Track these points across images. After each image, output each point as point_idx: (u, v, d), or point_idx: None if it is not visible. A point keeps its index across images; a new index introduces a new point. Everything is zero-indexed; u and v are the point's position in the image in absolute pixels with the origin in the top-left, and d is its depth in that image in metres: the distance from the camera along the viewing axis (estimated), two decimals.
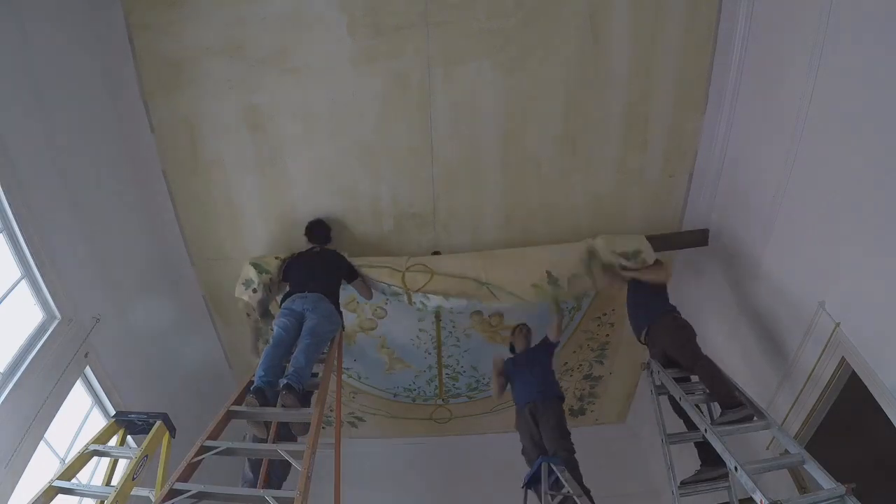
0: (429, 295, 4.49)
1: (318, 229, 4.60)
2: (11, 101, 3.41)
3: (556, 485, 4.06)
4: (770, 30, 3.75)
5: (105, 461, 3.61)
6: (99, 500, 3.29)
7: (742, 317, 4.40)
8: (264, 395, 3.55)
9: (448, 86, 4.18)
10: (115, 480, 3.41)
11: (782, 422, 3.73)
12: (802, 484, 3.76)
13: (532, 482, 4.37)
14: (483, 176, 4.55)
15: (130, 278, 4.50)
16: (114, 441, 3.63)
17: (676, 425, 4.08)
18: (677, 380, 3.89)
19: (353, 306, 5.06)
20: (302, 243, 4.62)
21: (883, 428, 2.94)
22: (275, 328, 4.02)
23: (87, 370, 3.93)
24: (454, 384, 5.84)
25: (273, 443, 3.65)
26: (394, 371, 5.70)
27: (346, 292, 4.70)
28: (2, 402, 3.17)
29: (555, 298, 4.54)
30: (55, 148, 3.72)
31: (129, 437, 3.77)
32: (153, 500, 3.39)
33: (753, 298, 4.24)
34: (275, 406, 3.54)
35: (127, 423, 3.71)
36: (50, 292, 3.64)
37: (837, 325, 3.26)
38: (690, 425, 3.80)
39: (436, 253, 4.87)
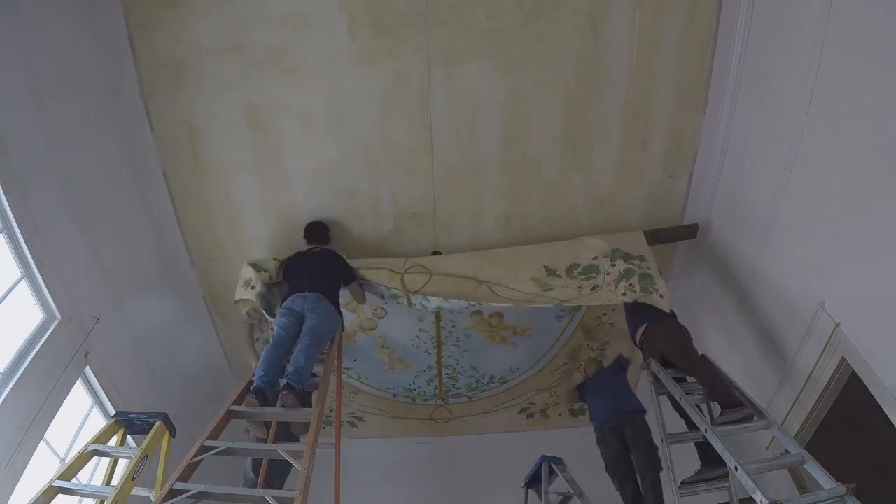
0: (429, 297, 4.48)
1: (317, 230, 4.60)
2: (11, 101, 3.40)
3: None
4: (770, 30, 3.74)
5: (105, 461, 3.60)
6: (99, 500, 3.28)
7: (742, 317, 4.40)
8: (264, 395, 3.55)
9: (448, 86, 4.18)
10: (116, 480, 3.40)
11: (782, 422, 3.74)
12: (802, 484, 3.76)
13: (532, 482, 4.38)
14: (483, 176, 4.55)
15: (130, 278, 4.50)
16: (114, 441, 3.63)
17: (677, 425, 4.09)
18: (676, 380, 3.89)
19: (353, 306, 5.06)
20: (302, 244, 4.62)
21: (883, 428, 2.94)
22: (275, 328, 4.02)
23: (87, 370, 3.93)
24: (454, 384, 5.84)
25: (273, 443, 3.65)
26: (394, 371, 5.70)
27: (346, 293, 4.71)
28: (2, 402, 3.17)
29: (557, 300, 4.44)
30: (55, 148, 3.72)
31: (129, 437, 3.77)
32: (153, 500, 3.39)
33: (753, 298, 4.24)
34: (275, 406, 3.53)
35: (127, 423, 3.71)
36: (50, 292, 3.64)
37: (837, 325, 3.26)
38: (690, 425, 3.80)
39: (436, 253, 4.87)
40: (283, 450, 3.23)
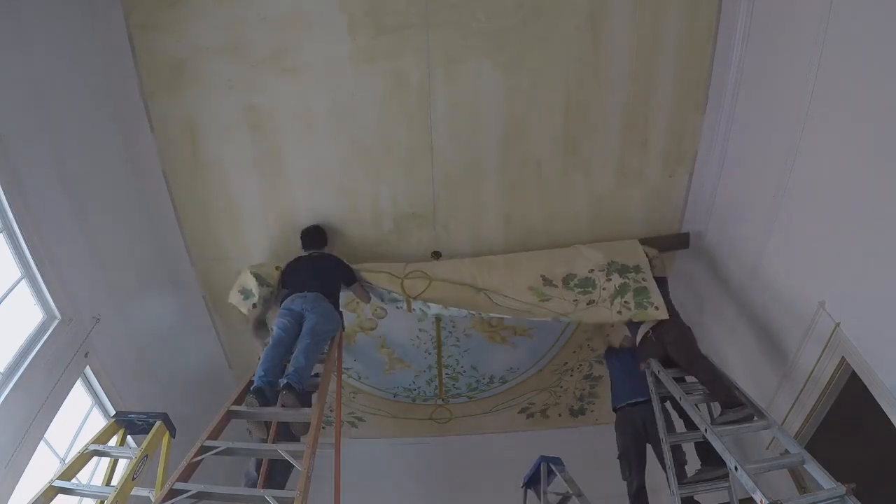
0: (429, 304, 4.50)
1: (313, 235, 4.59)
2: (11, 101, 3.40)
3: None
4: (770, 30, 3.74)
5: (105, 461, 3.61)
6: (99, 501, 3.29)
7: (742, 317, 4.40)
8: (264, 394, 3.55)
9: (448, 86, 4.18)
10: (116, 480, 3.40)
11: (782, 421, 3.73)
12: (802, 484, 3.76)
13: (532, 481, 4.38)
14: (483, 176, 4.55)
15: (130, 278, 4.50)
16: (114, 441, 3.63)
17: (676, 425, 4.09)
18: (676, 380, 3.89)
19: (352, 306, 5.06)
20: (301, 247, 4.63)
21: (883, 428, 2.94)
22: (274, 328, 4.02)
23: (87, 370, 3.93)
24: (454, 384, 5.84)
25: (273, 442, 3.66)
26: (394, 371, 5.70)
27: (346, 293, 4.71)
28: (2, 402, 3.17)
29: (555, 314, 4.43)
30: (55, 148, 3.72)
31: (129, 437, 3.77)
32: (153, 500, 3.40)
33: (753, 298, 4.24)
34: (275, 406, 3.54)
35: (127, 423, 3.71)
36: (50, 292, 3.63)
37: (837, 325, 3.26)
38: (690, 425, 3.80)
39: (436, 253, 4.88)
40: (283, 450, 3.24)
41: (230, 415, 3.48)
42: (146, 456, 3.41)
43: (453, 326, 5.31)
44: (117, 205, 4.37)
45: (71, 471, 3.23)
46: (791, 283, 3.77)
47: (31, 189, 3.49)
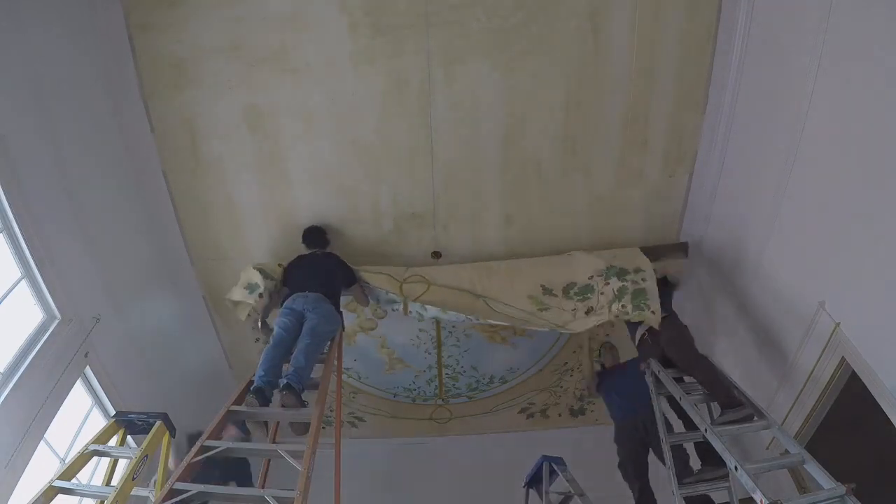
0: (426, 306, 4.51)
1: (315, 235, 4.60)
2: (11, 101, 3.40)
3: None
4: (770, 30, 3.74)
5: (105, 461, 3.60)
6: (99, 501, 3.28)
7: (742, 317, 4.40)
8: (264, 395, 3.55)
9: (448, 86, 4.18)
10: (116, 480, 3.40)
11: (782, 421, 3.73)
12: (802, 484, 3.76)
13: (533, 482, 4.38)
14: (483, 176, 4.54)
15: (130, 278, 4.50)
16: (114, 441, 3.62)
17: (675, 426, 4.09)
18: (676, 380, 3.89)
19: (353, 306, 5.05)
20: (302, 246, 4.62)
21: (883, 428, 2.94)
22: (275, 328, 4.02)
23: (87, 370, 3.93)
24: (454, 384, 5.84)
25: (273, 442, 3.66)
26: (394, 371, 5.70)
27: (346, 297, 4.70)
28: (2, 402, 3.17)
29: (552, 325, 4.47)
30: (55, 148, 3.72)
31: (129, 437, 3.76)
32: (153, 500, 3.40)
33: (753, 298, 4.24)
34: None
35: (127, 423, 3.70)
36: (50, 292, 3.64)
37: (837, 325, 3.26)
38: (690, 425, 3.80)
39: (436, 253, 4.88)
40: (283, 450, 3.24)
41: (230, 415, 3.47)
42: (146, 456, 3.41)
43: (453, 327, 5.31)
44: (117, 205, 4.37)
45: (71, 471, 3.23)
46: (791, 283, 3.77)
47: (31, 189, 3.49)
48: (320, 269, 4.39)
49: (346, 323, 4.64)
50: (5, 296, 3.38)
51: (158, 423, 3.64)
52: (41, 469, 3.41)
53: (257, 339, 5.01)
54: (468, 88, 4.19)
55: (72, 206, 3.86)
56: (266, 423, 3.66)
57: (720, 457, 3.24)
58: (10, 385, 3.27)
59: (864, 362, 3.07)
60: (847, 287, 3.23)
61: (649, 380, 4.04)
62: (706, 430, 3.38)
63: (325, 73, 4.15)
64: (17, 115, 3.44)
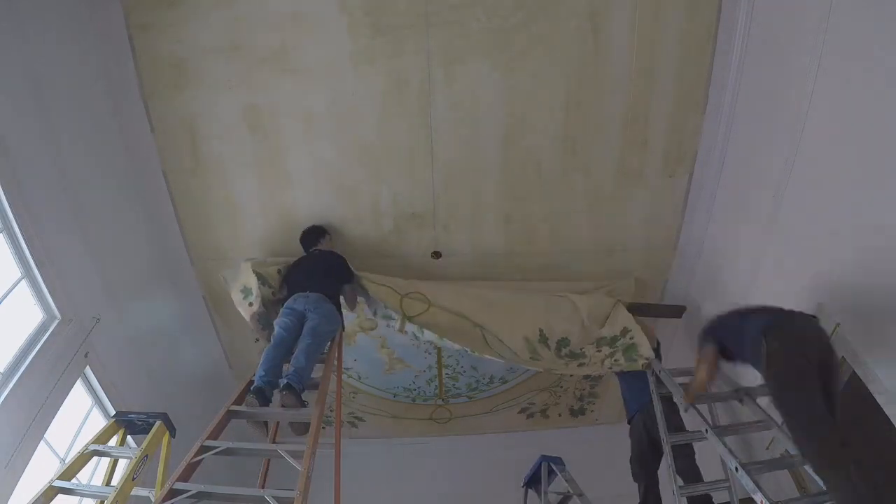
0: (423, 329, 4.55)
1: (313, 234, 4.58)
2: (11, 101, 3.40)
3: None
4: (770, 30, 3.74)
5: (105, 461, 3.61)
6: (99, 501, 3.29)
7: None
8: (265, 395, 3.55)
9: (448, 86, 4.18)
10: (116, 480, 3.40)
11: (782, 422, 3.72)
12: (803, 484, 3.75)
13: (532, 481, 4.39)
14: (483, 176, 4.54)
15: (130, 278, 4.50)
16: (114, 441, 3.63)
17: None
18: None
19: (352, 306, 5.06)
20: (300, 247, 4.62)
21: (883, 428, 2.93)
22: (276, 328, 4.02)
23: (87, 370, 3.93)
24: (454, 384, 5.84)
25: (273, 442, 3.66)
26: (394, 371, 5.70)
27: None
28: (2, 402, 3.17)
29: (542, 368, 4.62)
30: (55, 148, 3.72)
31: (129, 437, 3.77)
32: (153, 500, 3.40)
33: (753, 299, 4.23)
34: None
35: (127, 423, 3.71)
36: (50, 292, 3.64)
37: (837, 325, 3.25)
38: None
39: (436, 253, 4.88)
40: (283, 450, 3.24)
41: (230, 415, 3.47)
42: (146, 456, 3.41)
43: None
44: (117, 205, 4.37)
45: (71, 471, 3.23)
46: (791, 283, 3.76)
47: (31, 189, 3.49)
48: (320, 268, 4.38)
49: (346, 323, 4.64)
50: (5, 296, 3.38)
51: (158, 423, 3.65)
52: (41, 469, 3.41)
53: (257, 340, 5.01)
54: (468, 88, 4.19)
55: (72, 206, 3.86)
56: (266, 423, 3.66)
57: (698, 475, 3.25)
58: (10, 385, 3.27)
59: (863, 362, 3.07)
60: (847, 287, 3.22)
61: (650, 379, 4.04)
62: (706, 430, 3.38)
63: (325, 73, 4.15)
64: (17, 115, 3.44)
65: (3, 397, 3.19)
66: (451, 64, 4.11)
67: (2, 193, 3.32)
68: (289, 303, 4.12)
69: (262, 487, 3.50)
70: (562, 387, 5.95)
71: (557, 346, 4.60)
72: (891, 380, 2.88)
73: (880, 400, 2.95)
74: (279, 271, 4.54)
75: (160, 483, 3.39)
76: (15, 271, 3.48)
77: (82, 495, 3.32)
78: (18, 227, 3.41)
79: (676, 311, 5.00)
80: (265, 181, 4.57)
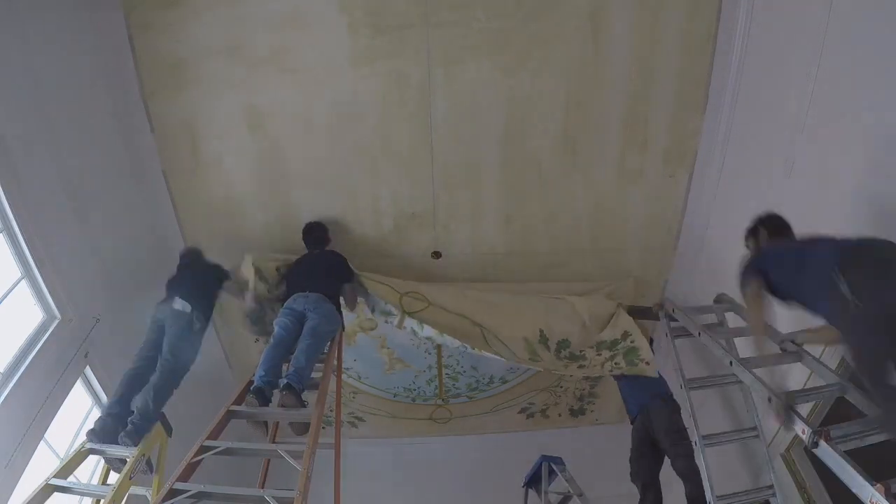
0: (423, 324, 4.55)
1: (316, 232, 4.58)
2: (12, 101, 3.40)
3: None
4: (770, 30, 3.74)
5: (103, 460, 3.60)
6: (96, 499, 3.29)
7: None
8: (264, 395, 3.55)
9: (448, 86, 4.18)
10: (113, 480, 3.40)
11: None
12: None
13: (532, 481, 4.39)
14: (483, 176, 4.55)
15: (131, 278, 4.49)
16: None
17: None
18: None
19: (352, 306, 5.06)
20: (302, 246, 4.61)
21: None
22: (275, 328, 4.01)
23: (87, 370, 3.93)
24: (454, 384, 5.83)
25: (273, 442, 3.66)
26: (394, 371, 5.70)
27: None
28: (2, 402, 3.17)
29: (542, 368, 4.65)
30: (55, 148, 3.72)
31: None
32: (150, 499, 3.40)
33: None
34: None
35: None
36: (50, 292, 3.64)
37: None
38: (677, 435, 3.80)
39: (436, 253, 4.88)
40: (283, 450, 3.24)
41: (230, 415, 3.47)
42: (143, 455, 3.41)
43: None
44: (117, 205, 4.37)
45: (67, 469, 3.23)
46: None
47: (31, 189, 3.49)
48: (320, 268, 4.37)
49: (345, 323, 4.64)
50: (5, 296, 3.38)
51: (156, 422, 3.64)
52: (41, 469, 3.40)
53: (257, 340, 5.00)
54: (468, 88, 4.19)
55: (72, 206, 3.86)
56: (266, 423, 3.66)
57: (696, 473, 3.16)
58: (10, 385, 3.27)
59: None
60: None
61: (664, 321, 3.92)
62: (731, 363, 3.05)
63: (325, 73, 4.15)
64: (17, 115, 3.44)
65: (3, 397, 3.19)
66: (451, 64, 4.11)
67: (2, 193, 3.33)
68: (288, 303, 4.12)
69: (262, 487, 3.49)
70: (562, 387, 5.94)
71: (557, 348, 4.61)
72: None
73: None
74: (278, 269, 4.54)
75: (157, 482, 3.39)
76: (15, 271, 3.48)
77: (80, 494, 3.33)
78: (18, 227, 3.41)
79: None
80: (265, 181, 4.57)
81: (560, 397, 6.06)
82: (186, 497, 2.85)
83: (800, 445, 3.66)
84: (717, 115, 4.24)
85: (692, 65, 4.11)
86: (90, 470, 3.76)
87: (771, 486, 3.41)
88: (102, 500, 3.12)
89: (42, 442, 3.48)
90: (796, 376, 3.55)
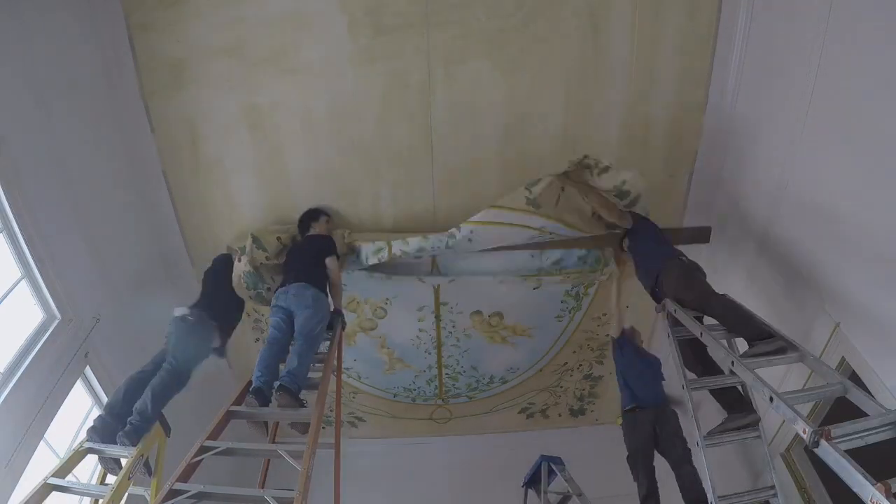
0: (407, 239, 4.36)
1: (303, 219, 4.53)
2: (12, 101, 3.41)
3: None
4: (770, 29, 3.75)
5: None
6: (94, 499, 3.29)
7: None
8: (264, 395, 3.55)
9: (448, 86, 4.18)
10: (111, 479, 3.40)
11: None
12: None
13: (532, 481, 4.39)
14: (483, 176, 4.54)
15: (131, 278, 4.50)
16: None
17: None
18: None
19: (353, 306, 5.06)
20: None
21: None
22: (269, 328, 4.00)
23: (87, 370, 3.93)
24: (454, 384, 5.84)
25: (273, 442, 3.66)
26: (394, 371, 5.70)
27: (347, 292, 4.70)
28: (2, 402, 3.17)
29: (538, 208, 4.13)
30: (55, 148, 3.72)
31: None
32: (149, 499, 3.40)
33: (752, 300, 4.23)
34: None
35: None
36: (50, 292, 3.64)
37: (837, 324, 3.26)
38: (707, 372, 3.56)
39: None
40: (283, 450, 3.23)
41: (230, 415, 3.47)
42: (142, 455, 3.41)
43: (453, 326, 5.32)
44: (117, 205, 4.37)
45: (66, 468, 3.22)
46: (791, 284, 3.76)
47: (31, 189, 3.49)
48: (305, 254, 4.28)
49: (346, 322, 4.63)
50: (5, 296, 3.37)
51: (154, 423, 3.63)
52: (41, 469, 3.40)
53: (257, 339, 5.01)
54: (468, 88, 4.19)
55: (72, 206, 3.86)
56: (266, 423, 3.66)
57: (747, 404, 3.04)
58: (10, 385, 3.26)
59: (864, 362, 3.07)
60: (847, 287, 3.22)
61: (665, 321, 3.72)
62: (733, 362, 2.97)
63: (325, 73, 4.15)
64: (17, 115, 3.44)
65: (3, 397, 3.19)
66: (451, 64, 4.11)
67: (2, 193, 3.32)
68: (275, 300, 4.03)
69: (262, 487, 3.49)
70: (562, 387, 5.95)
71: (548, 185, 4.16)
72: (891, 380, 2.88)
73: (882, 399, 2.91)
74: (279, 238, 4.49)
75: (156, 482, 3.39)
76: (15, 271, 3.48)
77: (78, 493, 3.32)
78: (18, 227, 3.41)
79: (703, 235, 4.64)
80: (265, 181, 4.57)
81: (560, 397, 6.07)
82: (186, 497, 2.84)
83: (800, 445, 3.68)
84: (717, 115, 4.25)
85: (692, 64, 4.12)
86: (90, 470, 3.77)
87: (772, 487, 3.39)
88: (101, 500, 3.11)
89: (42, 442, 3.47)
90: (796, 376, 3.57)
